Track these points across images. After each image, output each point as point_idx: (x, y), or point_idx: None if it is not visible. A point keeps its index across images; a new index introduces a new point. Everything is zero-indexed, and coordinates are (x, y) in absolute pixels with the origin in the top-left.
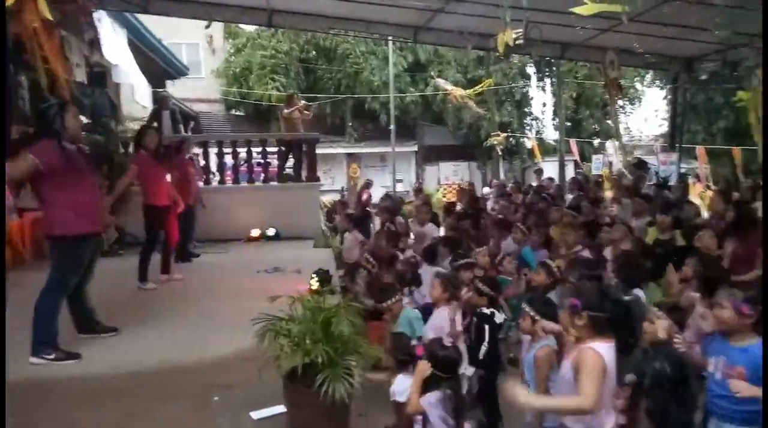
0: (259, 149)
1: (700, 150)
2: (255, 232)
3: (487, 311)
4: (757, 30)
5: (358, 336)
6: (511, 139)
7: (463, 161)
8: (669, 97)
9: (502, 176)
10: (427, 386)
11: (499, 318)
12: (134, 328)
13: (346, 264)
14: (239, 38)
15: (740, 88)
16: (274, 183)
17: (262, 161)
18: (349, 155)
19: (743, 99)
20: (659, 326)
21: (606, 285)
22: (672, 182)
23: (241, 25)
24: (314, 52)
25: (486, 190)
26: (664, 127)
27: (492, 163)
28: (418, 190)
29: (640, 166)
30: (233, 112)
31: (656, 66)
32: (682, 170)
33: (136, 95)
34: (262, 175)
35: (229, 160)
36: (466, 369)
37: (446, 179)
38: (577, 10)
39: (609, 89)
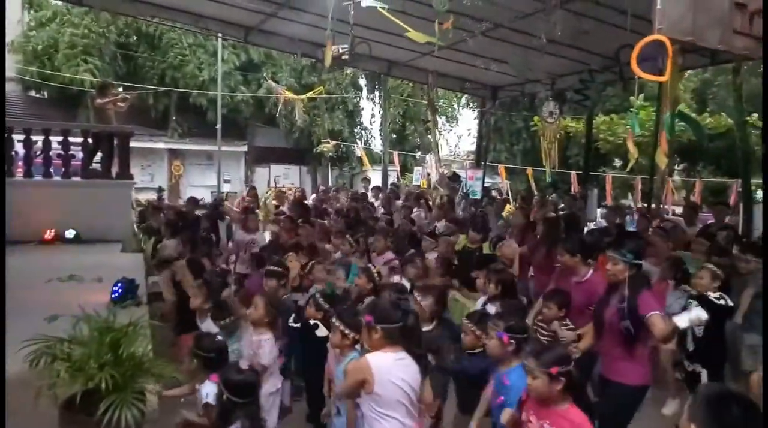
0: (60, 139)
1: (501, 167)
2: (49, 234)
3: (311, 322)
4: (549, 69)
5: (155, 356)
6: (341, 146)
7: (295, 165)
8: (478, 119)
9: (330, 182)
10: (226, 416)
11: (322, 332)
12: None
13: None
14: (43, 10)
15: (536, 115)
16: (77, 178)
17: (63, 153)
18: (172, 151)
19: (537, 125)
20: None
21: (397, 298)
22: (478, 196)
23: None
24: (135, 37)
25: (313, 196)
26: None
27: (322, 168)
28: (250, 193)
29: (454, 178)
30: (32, 93)
31: (468, 90)
32: (487, 185)
33: None
34: (63, 168)
35: (20, 149)
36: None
37: (275, 182)
38: (409, 35)
39: (429, 107)
